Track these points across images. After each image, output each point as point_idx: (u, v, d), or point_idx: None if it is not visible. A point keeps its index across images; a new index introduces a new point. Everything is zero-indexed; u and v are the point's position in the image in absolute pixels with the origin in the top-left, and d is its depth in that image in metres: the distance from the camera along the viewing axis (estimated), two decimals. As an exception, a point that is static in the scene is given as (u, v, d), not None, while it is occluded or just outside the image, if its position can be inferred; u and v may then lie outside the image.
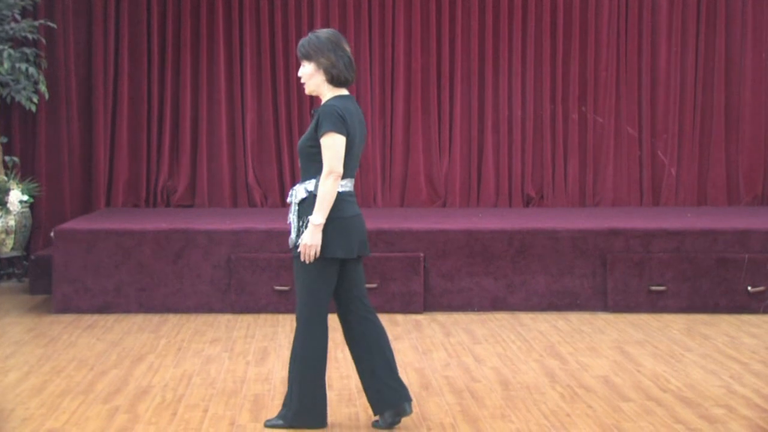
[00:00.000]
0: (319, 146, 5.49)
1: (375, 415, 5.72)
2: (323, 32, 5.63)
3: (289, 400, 5.61)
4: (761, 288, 8.75)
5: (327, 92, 5.61)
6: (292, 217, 5.58)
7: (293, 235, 5.57)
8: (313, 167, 5.53)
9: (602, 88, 11.29)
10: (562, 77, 11.27)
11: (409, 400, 5.68)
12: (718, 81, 11.28)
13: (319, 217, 5.43)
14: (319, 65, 5.56)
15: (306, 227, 5.48)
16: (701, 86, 11.31)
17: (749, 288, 8.75)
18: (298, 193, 5.57)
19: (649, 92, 11.33)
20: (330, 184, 5.44)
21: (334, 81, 5.57)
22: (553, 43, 11.26)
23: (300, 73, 5.64)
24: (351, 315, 5.66)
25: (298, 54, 5.61)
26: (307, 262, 5.47)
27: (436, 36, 11.23)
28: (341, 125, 5.46)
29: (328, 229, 5.47)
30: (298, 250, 5.50)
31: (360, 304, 5.67)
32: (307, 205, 5.51)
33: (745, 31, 11.28)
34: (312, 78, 5.59)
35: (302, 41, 5.63)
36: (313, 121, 5.55)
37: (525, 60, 11.27)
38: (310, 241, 5.44)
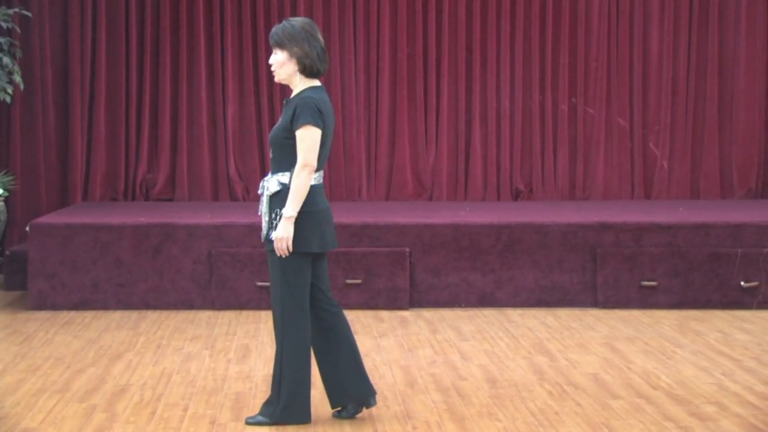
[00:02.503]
0: (294, 138, 5.53)
1: (333, 407, 5.80)
2: (297, 20, 5.64)
3: (276, 397, 5.65)
4: (754, 283, 8.79)
5: (299, 82, 5.63)
6: (263, 210, 5.62)
7: (264, 228, 5.61)
8: (287, 159, 5.57)
9: (593, 79, 11.33)
10: (552, 67, 11.29)
11: (374, 393, 5.79)
12: (712, 71, 11.32)
13: (291, 209, 5.47)
14: (291, 54, 5.58)
15: (278, 220, 5.51)
16: (694, 76, 11.36)
17: (742, 283, 8.80)
18: (270, 185, 5.60)
19: (641, 83, 11.37)
20: (305, 177, 5.48)
21: (307, 71, 5.60)
22: (543, 32, 11.29)
23: (271, 61, 5.66)
24: (315, 309, 5.72)
25: (271, 41, 5.63)
26: (280, 255, 5.50)
27: (423, 24, 11.25)
28: (318, 118, 5.51)
29: (303, 222, 5.51)
30: (273, 244, 5.53)
31: (324, 297, 5.75)
32: (280, 197, 5.54)
33: (739, 19, 11.32)
34: (283, 67, 5.62)
35: (275, 28, 5.64)
36: (288, 112, 5.58)
37: (513, 49, 11.30)
38: (282, 234, 5.47)
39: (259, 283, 8.77)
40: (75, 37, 10.97)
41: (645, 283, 8.83)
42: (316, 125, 5.50)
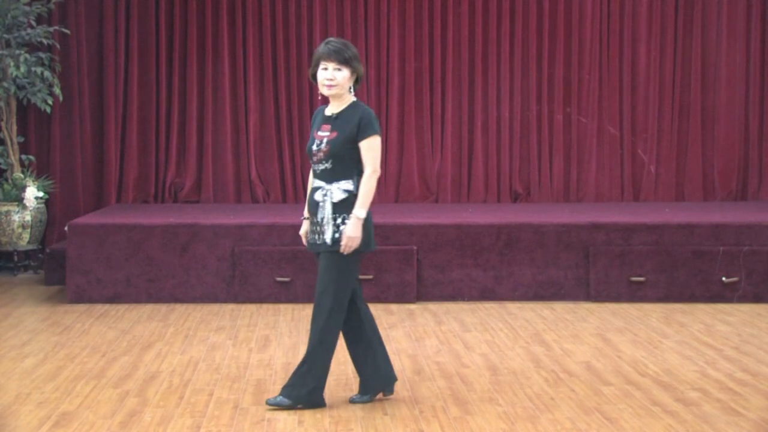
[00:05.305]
0: (356, 148, 5.52)
1: (364, 394, 5.79)
2: (346, 41, 5.66)
3: (301, 381, 5.61)
4: (735, 278, 8.77)
5: (347, 96, 5.64)
6: (327, 216, 5.55)
7: (329, 232, 5.53)
8: (347, 168, 5.54)
9: (585, 90, 11.31)
10: (548, 80, 11.28)
11: (395, 380, 5.83)
12: (695, 84, 11.31)
13: (363, 211, 5.50)
14: (353, 71, 5.59)
15: (343, 224, 5.51)
16: (679, 89, 11.34)
17: (723, 278, 8.78)
18: (334, 193, 5.55)
19: (630, 94, 11.35)
20: (374, 181, 5.53)
21: (356, 86, 5.65)
22: (539, 48, 11.28)
23: (337, 77, 5.57)
24: (356, 303, 5.71)
25: (338, 58, 5.55)
26: (341, 254, 5.50)
27: (429, 41, 11.25)
28: (379, 128, 5.59)
29: (364, 224, 5.54)
30: (340, 243, 5.50)
31: (360, 292, 5.77)
32: (345, 204, 5.53)
33: (720, 36, 11.31)
34: (346, 82, 5.60)
35: (338, 46, 5.58)
36: (348, 125, 5.53)
37: (512, 64, 11.29)
38: (355, 233, 5.49)
39: (279, 279, 8.77)
40: (109, 52, 10.99)
41: (634, 278, 8.82)
42: (379, 135, 5.58)
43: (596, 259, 8.83)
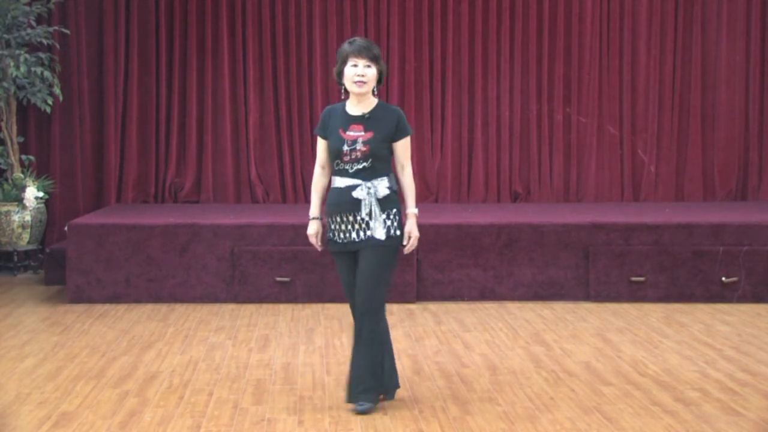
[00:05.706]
0: (390, 147, 5.58)
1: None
2: (368, 39, 5.70)
3: (380, 380, 5.58)
4: (734, 278, 8.77)
5: (370, 96, 5.61)
6: (374, 212, 5.52)
7: (380, 228, 5.52)
8: (385, 166, 5.58)
9: (585, 90, 11.31)
10: (548, 79, 11.28)
11: (398, 386, 5.82)
12: (695, 84, 11.31)
13: (416, 209, 5.63)
14: (379, 69, 5.57)
15: (389, 219, 5.54)
16: (679, 88, 11.34)
17: (723, 278, 8.78)
18: (379, 190, 5.54)
19: (630, 93, 11.35)
20: (413, 178, 5.66)
21: (378, 85, 5.63)
22: (539, 47, 11.28)
23: (368, 74, 5.51)
24: None
25: (368, 55, 5.50)
26: (409, 252, 5.60)
27: (429, 41, 11.25)
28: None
29: (401, 220, 5.63)
30: (404, 242, 5.58)
31: None
32: (389, 200, 5.57)
33: (720, 36, 11.31)
34: (374, 80, 5.57)
35: (368, 44, 5.54)
36: (384, 124, 5.53)
37: (513, 63, 11.29)
38: (417, 232, 5.62)
39: (278, 279, 8.77)
40: (109, 52, 10.99)
41: (634, 278, 8.81)
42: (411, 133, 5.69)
43: (596, 259, 8.83)
